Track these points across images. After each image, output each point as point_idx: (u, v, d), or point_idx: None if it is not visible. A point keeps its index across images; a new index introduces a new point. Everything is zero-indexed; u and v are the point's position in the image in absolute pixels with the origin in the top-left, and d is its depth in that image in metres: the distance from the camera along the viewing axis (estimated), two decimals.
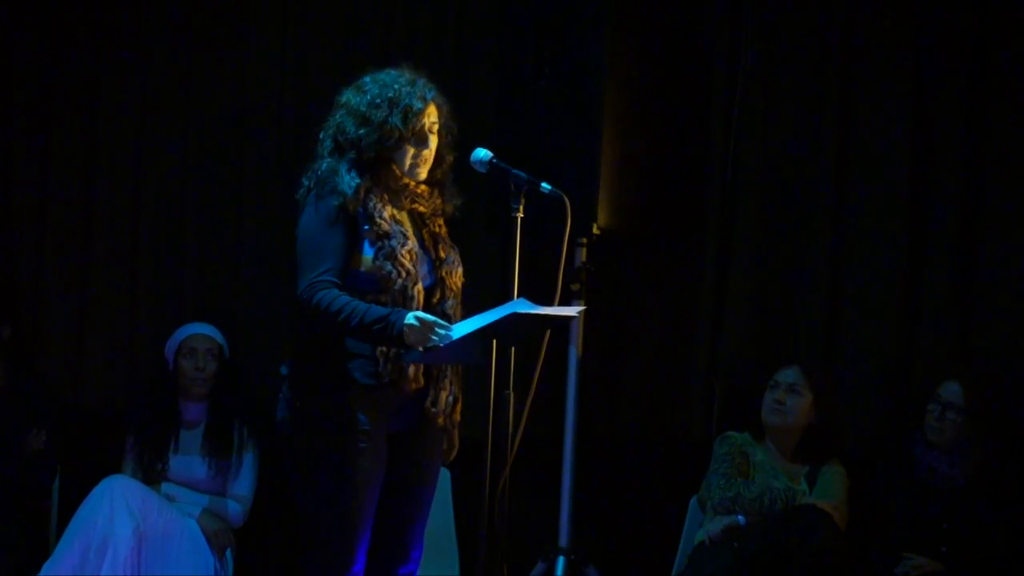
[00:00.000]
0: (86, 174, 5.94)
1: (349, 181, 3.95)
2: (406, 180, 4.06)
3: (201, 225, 5.94)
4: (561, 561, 5.15)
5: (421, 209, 4.10)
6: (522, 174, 4.05)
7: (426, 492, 4.16)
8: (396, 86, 4.04)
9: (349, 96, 4.08)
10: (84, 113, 5.94)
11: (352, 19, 5.85)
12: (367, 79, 4.09)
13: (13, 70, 5.94)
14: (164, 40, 5.93)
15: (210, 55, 5.92)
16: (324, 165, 4.01)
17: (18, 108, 5.95)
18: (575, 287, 5.14)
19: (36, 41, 5.93)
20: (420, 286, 3.97)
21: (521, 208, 4.04)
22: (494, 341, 3.90)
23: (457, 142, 4.15)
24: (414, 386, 3.97)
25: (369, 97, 4.04)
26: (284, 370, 4.06)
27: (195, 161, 5.94)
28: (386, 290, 3.92)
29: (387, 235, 3.96)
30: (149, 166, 5.94)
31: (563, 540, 5.22)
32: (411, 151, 4.04)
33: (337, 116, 4.06)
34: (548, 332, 4.13)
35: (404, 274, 3.94)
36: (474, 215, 4.26)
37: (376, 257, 3.94)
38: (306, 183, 4.04)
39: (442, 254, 4.09)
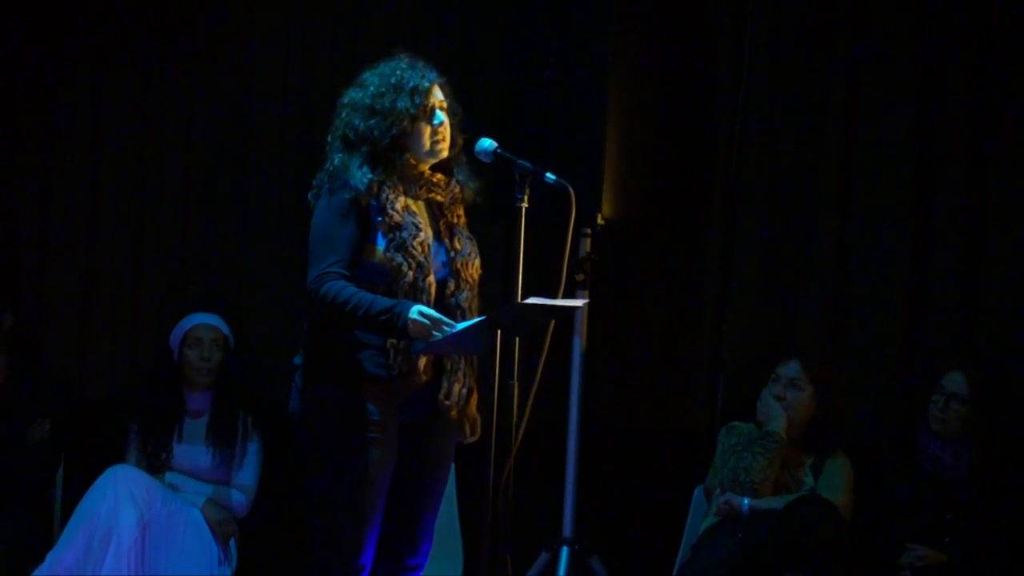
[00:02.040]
0: (90, 163, 5.94)
1: (361, 177, 3.95)
2: (421, 168, 4.06)
3: (206, 214, 5.94)
4: (565, 552, 5.15)
5: (438, 199, 4.10)
6: (527, 164, 4.04)
7: (437, 485, 4.15)
8: (397, 72, 4.04)
9: (351, 94, 4.07)
10: (89, 101, 5.93)
11: (357, 10, 5.84)
12: (366, 74, 4.09)
13: (19, 60, 5.94)
14: (169, 32, 5.92)
15: (215, 46, 5.92)
16: (336, 160, 4.01)
17: (23, 97, 5.95)
18: (579, 277, 5.13)
19: (42, 31, 5.93)
20: (432, 278, 3.96)
21: (526, 198, 4.04)
22: (499, 332, 3.89)
23: (464, 126, 4.15)
24: (424, 378, 3.97)
25: (372, 89, 4.04)
26: (297, 360, 4.06)
27: (200, 150, 5.93)
28: (397, 282, 3.92)
29: (399, 226, 3.95)
30: (154, 155, 5.93)
31: (567, 531, 5.22)
32: (427, 129, 4.03)
33: (343, 115, 4.05)
34: (552, 323, 4.13)
35: (415, 266, 3.93)
36: (478, 205, 4.25)
37: (388, 248, 3.94)
38: (317, 183, 4.04)
39: (458, 245, 4.08)
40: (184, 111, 5.93)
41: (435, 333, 3.79)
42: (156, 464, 5.45)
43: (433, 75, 4.09)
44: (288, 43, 5.88)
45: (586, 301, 4.72)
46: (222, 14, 5.93)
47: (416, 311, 3.80)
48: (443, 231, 4.09)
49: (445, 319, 3.81)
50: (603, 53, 5.02)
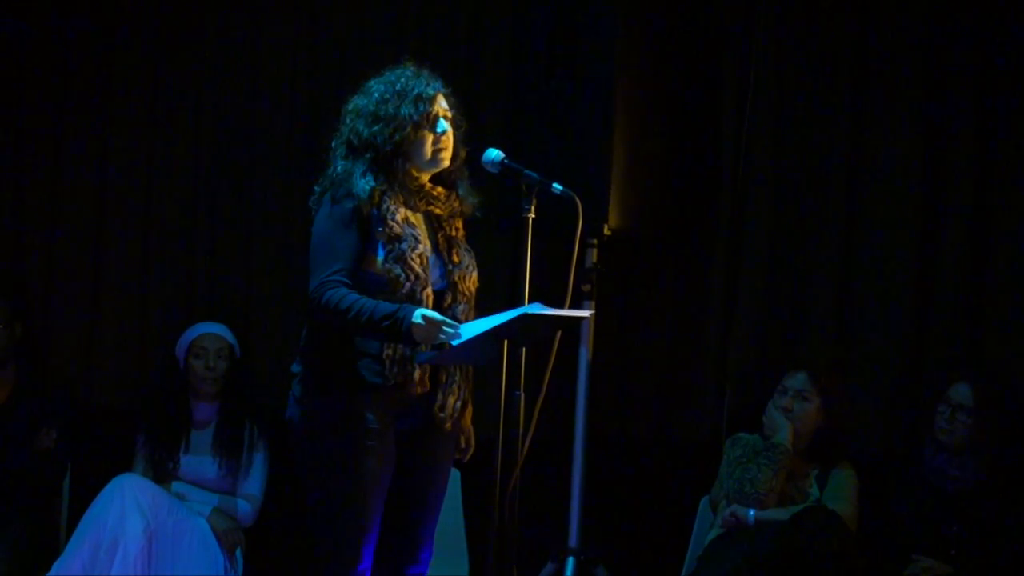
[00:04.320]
0: (98, 173, 5.95)
1: (363, 185, 3.96)
2: (422, 180, 4.07)
3: (213, 224, 5.95)
4: (571, 562, 5.15)
5: (437, 211, 4.10)
6: (533, 174, 4.05)
7: (436, 493, 4.16)
8: (402, 79, 4.06)
9: (356, 101, 4.09)
10: (96, 112, 5.95)
11: (364, 19, 5.85)
12: (371, 82, 4.11)
13: (26, 67, 5.95)
14: (177, 38, 5.94)
15: (223, 53, 5.93)
16: (339, 167, 4.02)
17: (31, 106, 5.97)
18: (586, 288, 5.13)
19: (49, 38, 5.94)
20: (429, 290, 3.97)
21: (532, 209, 4.04)
22: (505, 342, 3.90)
23: (468, 138, 4.15)
24: (420, 390, 3.98)
25: (376, 96, 4.05)
26: (295, 368, 4.07)
27: (207, 161, 5.95)
28: (395, 293, 3.92)
29: (398, 238, 3.96)
30: (161, 165, 5.95)
31: (573, 541, 5.22)
32: (430, 137, 4.04)
33: (347, 122, 4.07)
34: (559, 333, 4.14)
35: (413, 278, 3.94)
36: (485, 215, 4.26)
37: (386, 260, 3.95)
38: (319, 189, 4.05)
39: (456, 258, 4.09)
40: (190, 122, 5.94)
41: (440, 336, 3.79)
42: (163, 474, 5.46)
43: (438, 84, 4.10)
44: (295, 54, 5.89)
45: (592, 312, 4.73)
46: (228, 23, 5.94)
47: (419, 315, 3.81)
48: (441, 244, 4.09)
49: (447, 320, 3.82)
50: (609, 64, 5.03)
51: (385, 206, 3.98)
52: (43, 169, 5.96)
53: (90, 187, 5.95)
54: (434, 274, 4.03)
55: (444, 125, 4.05)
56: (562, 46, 5.09)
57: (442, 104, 4.07)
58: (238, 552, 5.43)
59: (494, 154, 4.11)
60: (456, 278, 4.07)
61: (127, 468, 5.46)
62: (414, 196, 4.06)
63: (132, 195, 5.95)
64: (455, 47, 5.74)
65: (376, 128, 4.01)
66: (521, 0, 5.28)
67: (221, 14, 5.95)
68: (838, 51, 5.46)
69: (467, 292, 4.09)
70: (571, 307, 4.20)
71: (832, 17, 5.47)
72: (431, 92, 4.05)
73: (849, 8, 5.45)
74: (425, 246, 4.01)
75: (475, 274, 4.13)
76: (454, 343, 3.78)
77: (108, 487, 5.25)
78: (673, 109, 5.37)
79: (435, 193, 4.10)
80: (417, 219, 4.06)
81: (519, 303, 3.97)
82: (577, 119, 5.05)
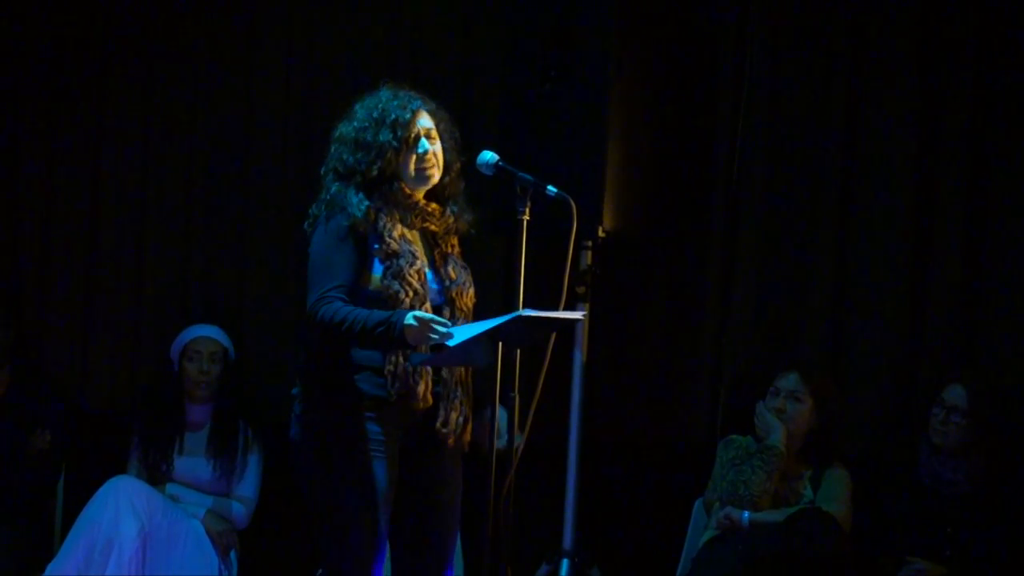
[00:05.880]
0: (92, 177, 5.95)
1: (358, 203, 3.96)
2: (416, 198, 4.07)
3: (207, 226, 5.95)
4: (565, 564, 5.15)
5: (433, 228, 4.11)
6: (528, 177, 4.05)
7: (452, 508, 4.10)
8: (380, 105, 4.05)
9: (341, 128, 4.10)
10: (91, 118, 5.95)
11: (357, 24, 5.85)
12: (356, 106, 4.11)
13: (22, 73, 5.95)
14: (172, 46, 5.94)
15: (217, 65, 5.93)
16: (333, 188, 4.02)
17: (25, 112, 5.96)
18: (580, 290, 5.13)
19: (45, 46, 5.94)
20: (428, 305, 3.97)
21: (527, 211, 4.04)
22: (500, 344, 3.90)
23: (462, 148, 4.15)
24: (422, 405, 3.97)
25: (356, 123, 4.06)
26: (295, 391, 4.06)
27: (201, 164, 5.95)
28: (393, 309, 3.92)
29: (396, 254, 3.96)
30: (155, 169, 5.95)
31: (567, 543, 5.21)
32: (413, 157, 4.04)
33: (332, 149, 4.08)
34: (553, 335, 4.14)
35: (412, 293, 3.94)
36: (480, 218, 4.26)
37: (384, 276, 3.95)
38: (314, 211, 4.05)
39: (452, 275, 4.09)
40: (185, 127, 5.94)
41: (432, 336, 3.79)
42: (156, 476, 5.46)
43: (417, 103, 4.08)
44: (289, 62, 5.89)
45: (587, 314, 4.72)
46: (224, 31, 5.94)
47: (411, 316, 3.81)
48: (438, 260, 4.10)
49: (437, 318, 3.82)
50: (604, 66, 5.03)
51: (381, 223, 3.98)
52: (37, 173, 5.95)
53: (84, 191, 5.95)
54: (431, 290, 4.03)
55: (425, 145, 4.05)
56: (556, 48, 5.09)
57: (423, 123, 4.06)
58: (232, 554, 5.43)
59: (488, 156, 4.11)
60: (454, 294, 4.07)
61: (121, 470, 5.45)
62: (409, 213, 4.06)
63: (126, 198, 5.95)
64: (449, 50, 5.74)
65: (359, 155, 4.02)
66: (515, 3, 5.28)
67: (218, 26, 5.94)
68: (833, 52, 5.47)
69: (465, 308, 4.09)
70: (565, 309, 4.20)
71: (826, 18, 5.48)
72: (407, 116, 4.03)
73: (844, 9, 5.46)
74: (422, 262, 4.02)
75: (472, 290, 4.13)
76: (449, 343, 3.78)
77: (102, 489, 5.25)
78: (667, 111, 5.38)
79: (430, 210, 4.10)
80: (413, 236, 4.06)
81: (514, 306, 3.97)
82: (571, 121, 5.04)
